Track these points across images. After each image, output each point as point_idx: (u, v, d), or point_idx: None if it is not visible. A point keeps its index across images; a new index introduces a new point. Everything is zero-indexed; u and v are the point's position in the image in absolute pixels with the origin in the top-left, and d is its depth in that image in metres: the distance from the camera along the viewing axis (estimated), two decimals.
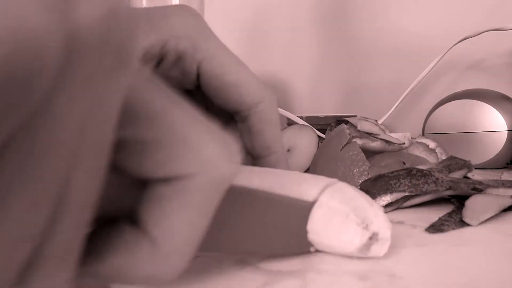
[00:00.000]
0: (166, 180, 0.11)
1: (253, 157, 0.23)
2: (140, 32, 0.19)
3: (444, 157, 0.36)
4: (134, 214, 0.12)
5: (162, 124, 0.11)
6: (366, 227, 0.17)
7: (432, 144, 0.37)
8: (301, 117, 0.53)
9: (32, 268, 0.09)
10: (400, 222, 0.24)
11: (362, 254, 0.18)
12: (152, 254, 0.11)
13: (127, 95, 0.10)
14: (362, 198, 0.18)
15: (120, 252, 0.12)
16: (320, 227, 0.18)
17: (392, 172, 0.27)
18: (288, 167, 0.23)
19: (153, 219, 0.11)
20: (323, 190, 0.18)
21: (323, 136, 0.44)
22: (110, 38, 0.09)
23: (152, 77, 0.11)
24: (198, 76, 0.22)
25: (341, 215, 0.18)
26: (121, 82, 0.09)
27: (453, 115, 0.46)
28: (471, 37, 0.52)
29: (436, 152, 0.37)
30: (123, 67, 0.09)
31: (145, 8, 0.21)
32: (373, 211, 0.18)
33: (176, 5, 0.21)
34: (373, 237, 0.17)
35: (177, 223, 0.11)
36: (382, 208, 0.18)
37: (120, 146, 0.11)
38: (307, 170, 0.36)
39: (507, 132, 0.43)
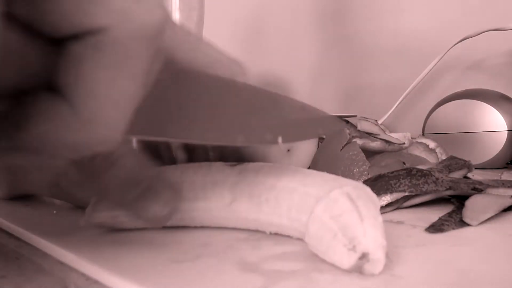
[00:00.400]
0: (79, 36, 0.10)
1: None
2: None
3: (444, 157, 0.36)
4: (52, 82, 0.11)
5: None
6: (353, 248, 0.16)
7: (432, 144, 0.37)
8: None
9: None
10: (400, 222, 0.24)
11: (357, 272, 0.16)
12: (72, 119, 0.11)
13: None
14: (353, 212, 0.17)
15: (41, 120, 0.11)
16: (315, 244, 0.18)
17: (392, 172, 0.27)
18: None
19: (70, 82, 0.11)
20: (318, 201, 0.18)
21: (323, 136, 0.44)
22: None
23: None
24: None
25: (329, 233, 0.17)
26: None
27: (453, 115, 0.46)
28: (471, 37, 0.52)
29: (436, 152, 0.37)
30: None
31: None
32: (363, 230, 0.16)
33: None
34: (363, 258, 0.16)
35: (95, 85, 0.10)
36: (377, 221, 0.17)
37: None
38: None
39: (507, 132, 0.43)
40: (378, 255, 0.16)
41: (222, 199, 0.21)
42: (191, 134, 0.15)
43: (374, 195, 0.19)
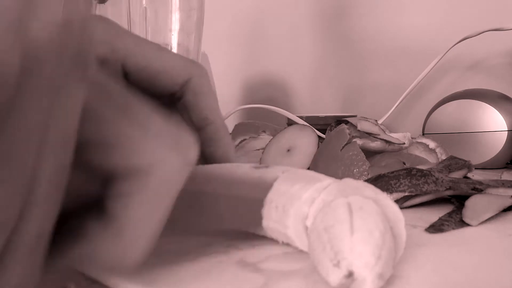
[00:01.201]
0: (126, 177, 0.13)
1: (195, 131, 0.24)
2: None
3: (444, 157, 0.36)
4: (99, 208, 0.13)
5: (116, 128, 0.12)
6: (338, 264, 0.14)
7: (432, 144, 0.37)
8: (301, 117, 0.53)
9: (1, 263, 0.10)
10: None
11: None
12: (118, 240, 0.13)
13: (87, 98, 0.11)
14: (343, 224, 0.15)
15: (88, 240, 0.13)
16: (311, 256, 0.16)
17: (392, 172, 0.27)
18: (227, 134, 0.24)
19: (118, 211, 0.13)
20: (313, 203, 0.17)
21: (323, 136, 0.44)
22: (66, 47, 0.10)
23: (108, 80, 0.13)
24: (126, 74, 0.22)
25: (320, 245, 0.15)
26: (80, 85, 0.11)
27: (453, 115, 0.46)
28: (471, 37, 0.52)
29: (436, 152, 0.37)
30: (81, 71, 0.10)
31: None
32: (350, 244, 0.14)
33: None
34: (350, 276, 0.14)
35: (138, 214, 0.13)
36: (373, 237, 0.14)
37: (84, 145, 0.12)
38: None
39: (507, 132, 0.43)
40: (363, 275, 0.14)
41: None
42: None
43: (392, 210, 0.16)
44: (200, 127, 0.23)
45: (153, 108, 0.13)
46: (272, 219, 0.19)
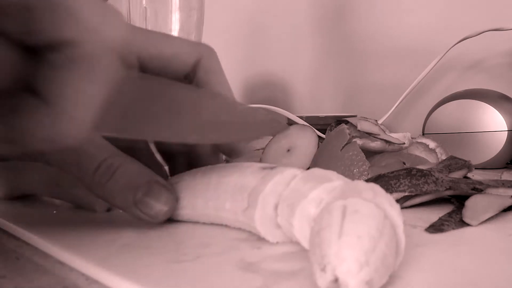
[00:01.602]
0: (54, 47, 0.13)
1: None
2: None
3: (444, 157, 0.36)
4: (30, 84, 0.13)
5: None
6: (324, 269, 0.14)
7: (432, 144, 0.37)
8: (301, 117, 0.53)
9: None
10: None
11: None
12: (49, 116, 0.13)
13: None
14: (333, 227, 0.15)
15: (21, 116, 0.13)
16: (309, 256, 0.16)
17: (392, 172, 0.27)
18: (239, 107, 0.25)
19: (47, 85, 0.13)
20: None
21: (323, 136, 0.44)
22: None
23: None
24: (143, 65, 0.24)
25: (313, 248, 0.15)
26: None
27: (453, 115, 0.46)
28: (471, 37, 0.52)
29: (436, 152, 0.37)
30: None
31: None
32: (336, 249, 0.14)
33: None
34: (336, 282, 0.13)
35: (69, 88, 0.13)
36: (361, 242, 0.14)
37: (4, 13, 0.12)
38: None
39: (507, 132, 0.43)
40: (346, 281, 0.13)
41: (241, 203, 0.21)
42: (149, 133, 0.18)
43: (390, 214, 0.16)
44: None
45: None
46: (284, 217, 0.19)
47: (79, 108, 0.13)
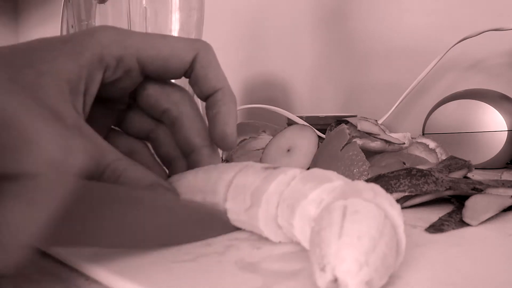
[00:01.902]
0: (9, 177, 0.12)
1: (204, 100, 0.26)
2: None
3: (444, 157, 0.36)
4: None
5: (10, 128, 0.12)
6: (323, 268, 0.14)
7: (432, 144, 0.37)
8: (301, 117, 0.53)
9: None
10: None
11: None
12: None
13: None
14: (333, 227, 0.15)
15: None
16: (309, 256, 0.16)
17: (392, 172, 0.27)
18: (234, 102, 0.25)
19: None
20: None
21: (323, 136, 0.45)
22: None
23: (4, 83, 0.13)
24: (143, 68, 0.24)
25: (313, 248, 0.15)
26: None
27: (453, 115, 0.46)
28: (471, 37, 0.52)
29: (436, 152, 0.37)
30: None
31: (67, 36, 0.23)
32: (336, 249, 0.14)
33: (95, 26, 0.24)
34: (336, 282, 0.13)
35: (17, 217, 0.13)
36: (361, 242, 0.14)
37: None
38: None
39: (507, 132, 0.43)
40: (345, 282, 0.13)
41: (243, 202, 0.21)
42: (99, 242, 0.18)
43: (391, 214, 0.16)
44: (209, 95, 0.25)
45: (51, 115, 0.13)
46: (284, 217, 0.19)
47: (24, 237, 0.13)
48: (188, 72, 0.25)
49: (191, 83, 0.25)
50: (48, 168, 0.13)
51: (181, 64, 0.24)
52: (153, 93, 0.25)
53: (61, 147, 0.13)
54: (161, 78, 0.25)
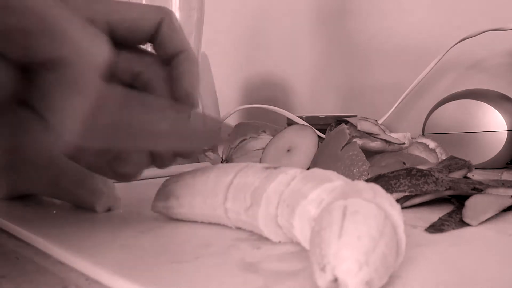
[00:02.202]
0: (48, 67, 0.14)
1: (168, 63, 0.26)
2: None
3: (444, 157, 0.36)
4: (24, 100, 0.15)
5: (43, 17, 0.14)
6: (323, 268, 0.14)
7: (432, 144, 0.37)
8: (301, 117, 0.53)
9: None
10: None
11: None
12: (45, 132, 0.15)
13: None
14: (333, 227, 0.15)
15: (17, 128, 0.15)
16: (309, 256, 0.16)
17: (392, 172, 0.27)
18: (197, 65, 0.26)
19: (41, 101, 0.14)
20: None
21: (323, 136, 0.44)
22: None
23: None
24: (113, 31, 0.25)
25: (313, 248, 0.15)
26: None
27: (453, 115, 0.46)
28: (471, 37, 0.52)
29: (436, 152, 0.37)
30: None
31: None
32: (336, 249, 0.14)
33: None
34: (336, 281, 0.13)
35: (66, 105, 0.14)
36: (361, 242, 0.14)
37: (4, 36, 0.13)
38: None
39: (507, 132, 0.43)
40: (345, 281, 0.13)
41: (244, 202, 0.21)
42: (129, 143, 0.20)
43: (391, 214, 0.16)
44: (173, 57, 0.26)
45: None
46: (284, 217, 0.19)
47: (68, 121, 0.15)
48: (154, 37, 0.26)
49: (155, 48, 0.27)
50: (82, 57, 0.14)
51: (149, 26, 0.25)
52: (125, 56, 0.26)
53: (87, 37, 0.15)
54: (129, 42, 0.26)
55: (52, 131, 0.15)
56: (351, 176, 0.30)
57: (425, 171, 0.27)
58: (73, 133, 0.15)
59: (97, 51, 0.15)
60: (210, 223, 0.24)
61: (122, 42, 0.26)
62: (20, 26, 0.13)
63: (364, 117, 0.38)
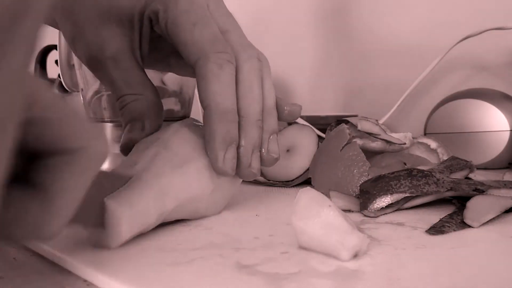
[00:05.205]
0: (62, 152, 0.14)
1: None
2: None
3: (445, 158, 0.36)
4: (26, 179, 0.15)
5: (63, 107, 0.14)
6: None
7: (433, 144, 0.37)
8: (301, 117, 0.53)
9: None
10: (400, 224, 0.24)
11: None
12: (42, 209, 0.14)
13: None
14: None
15: (13, 209, 0.14)
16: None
17: (393, 173, 0.27)
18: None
19: (49, 181, 0.14)
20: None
21: (323, 136, 0.44)
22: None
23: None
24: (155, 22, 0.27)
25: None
26: (12, 63, 0.11)
27: (455, 115, 0.45)
28: (473, 36, 0.52)
29: (437, 152, 0.37)
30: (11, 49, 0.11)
31: None
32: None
33: None
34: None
35: (69, 184, 0.15)
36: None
37: (26, 124, 0.13)
38: (307, 170, 0.36)
39: (509, 132, 0.43)
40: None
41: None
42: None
43: None
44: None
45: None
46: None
47: (71, 202, 0.15)
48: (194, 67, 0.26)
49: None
50: (96, 142, 0.15)
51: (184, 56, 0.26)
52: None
53: (97, 129, 0.16)
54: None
55: (50, 212, 0.15)
56: (351, 177, 0.30)
57: (426, 172, 0.26)
58: (68, 212, 0.15)
59: (105, 143, 0.16)
60: (207, 227, 0.23)
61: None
62: (47, 116, 0.14)
63: (365, 117, 0.38)
